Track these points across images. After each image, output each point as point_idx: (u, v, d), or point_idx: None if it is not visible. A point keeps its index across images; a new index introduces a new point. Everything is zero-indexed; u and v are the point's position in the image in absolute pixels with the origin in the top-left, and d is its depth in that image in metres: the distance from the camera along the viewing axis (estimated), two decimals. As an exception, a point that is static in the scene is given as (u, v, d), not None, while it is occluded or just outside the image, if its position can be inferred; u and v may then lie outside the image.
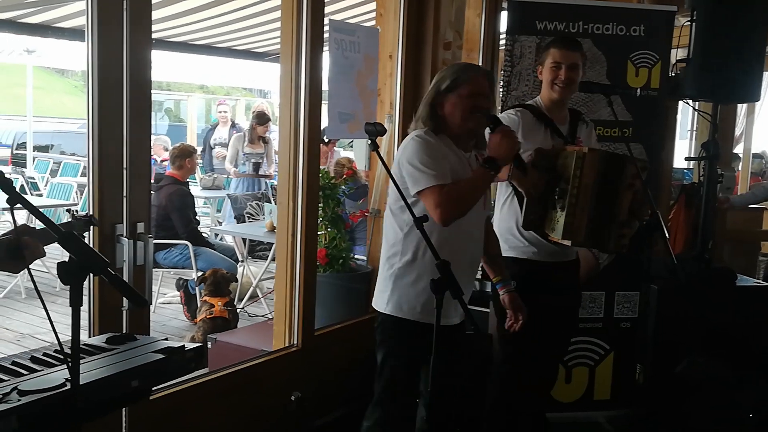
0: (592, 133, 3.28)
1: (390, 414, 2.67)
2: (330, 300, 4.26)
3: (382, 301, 2.65)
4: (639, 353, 4.03)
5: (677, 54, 4.25)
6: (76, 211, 2.24)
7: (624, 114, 3.85)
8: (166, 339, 1.99)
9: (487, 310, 3.30)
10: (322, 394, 3.68)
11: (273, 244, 5.76)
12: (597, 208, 2.87)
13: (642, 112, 3.92)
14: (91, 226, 2.33)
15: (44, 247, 1.78)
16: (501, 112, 3.25)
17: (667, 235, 3.04)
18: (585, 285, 3.82)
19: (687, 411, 3.71)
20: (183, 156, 5.94)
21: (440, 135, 2.55)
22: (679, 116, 5.12)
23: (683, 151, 6.26)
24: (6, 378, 1.68)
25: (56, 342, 1.65)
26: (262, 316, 5.85)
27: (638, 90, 3.77)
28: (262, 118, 7.80)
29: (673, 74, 4.15)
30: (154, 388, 1.94)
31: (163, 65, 9.56)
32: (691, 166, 5.68)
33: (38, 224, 1.66)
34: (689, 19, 4.01)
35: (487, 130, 2.60)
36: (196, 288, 5.44)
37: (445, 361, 2.51)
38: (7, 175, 1.57)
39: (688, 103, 4.65)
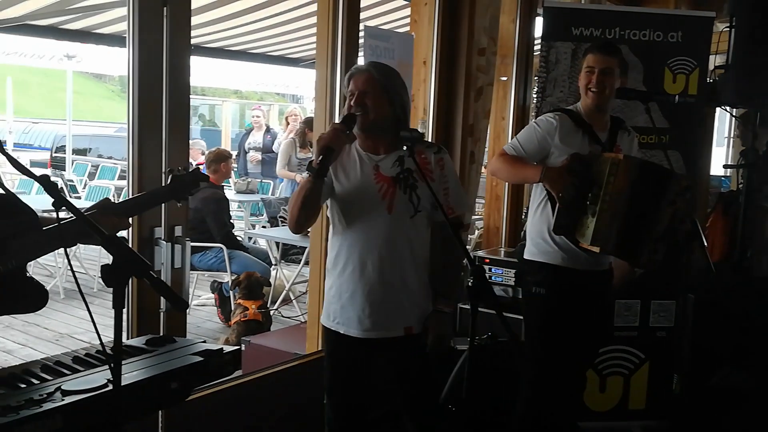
0: (633, 142, 3.24)
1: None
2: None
3: None
4: (675, 363, 3.98)
5: (715, 60, 4.20)
6: (178, 169, 2.16)
7: (661, 120, 3.81)
8: (204, 341, 2.02)
9: (520, 317, 3.28)
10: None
11: (306, 247, 5.80)
12: (630, 217, 2.84)
13: (679, 118, 3.87)
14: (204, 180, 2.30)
15: (128, 219, 2.01)
16: (536, 118, 3.25)
17: (705, 244, 3.01)
18: (620, 293, 3.79)
19: (723, 423, 3.66)
20: (218, 160, 6.01)
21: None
22: (715, 123, 5.06)
23: (720, 158, 6.16)
24: (50, 378, 1.72)
25: (96, 342, 1.68)
26: (295, 318, 5.88)
27: (676, 96, 3.73)
28: (312, 123, 7.85)
29: (711, 81, 4.10)
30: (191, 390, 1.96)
31: (198, 70, 9.68)
32: (728, 174, 5.59)
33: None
34: (728, 25, 3.97)
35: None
36: (231, 291, 5.49)
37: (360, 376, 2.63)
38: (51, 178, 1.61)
39: (726, 110, 4.59)
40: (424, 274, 2.57)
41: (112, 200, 2.32)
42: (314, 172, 2.37)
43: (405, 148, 2.40)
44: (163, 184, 2.31)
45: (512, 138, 3.21)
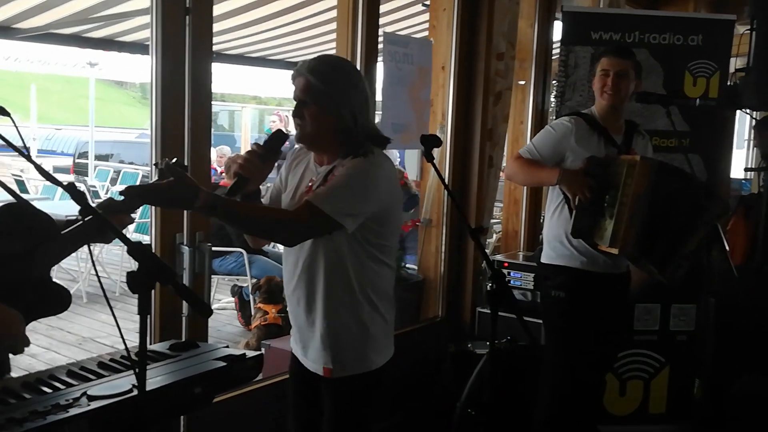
0: (648, 145, 3.25)
1: None
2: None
3: None
4: (696, 367, 3.95)
5: (736, 63, 4.17)
6: (166, 160, 2.26)
7: (682, 124, 3.79)
8: (227, 347, 2.04)
9: (539, 321, 3.28)
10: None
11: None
12: (649, 218, 2.83)
13: (700, 122, 3.86)
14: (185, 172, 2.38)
15: (131, 216, 2.03)
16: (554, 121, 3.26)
17: (726, 248, 2.99)
18: (640, 297, 3.77)
19: (745, 429, 3.63)
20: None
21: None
22: (736, 125, 5.02)
23: (740, 161, 6.11)
24: (76, 383, 1.73)
25: (119, 346, 1.70)
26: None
27: (697, 100, 3.71)
28: None
29: (732, 84, 4.07)
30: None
31: (218, 77, 9.76)
32: (749, 177, 5.54)
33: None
34: (749, 27, 3.93)
35: None
36: (251, 295, 5.53)
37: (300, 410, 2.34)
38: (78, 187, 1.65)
39: (747, 113, 4.55)
40: (346, 309, 2.15)
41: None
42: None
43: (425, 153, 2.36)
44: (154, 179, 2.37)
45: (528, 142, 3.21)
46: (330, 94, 2.08)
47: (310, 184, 2.20)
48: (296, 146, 2.29)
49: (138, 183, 10.51)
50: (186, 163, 2.71)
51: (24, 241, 1.82)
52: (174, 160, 2.34)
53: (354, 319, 2.16)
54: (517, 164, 3.09)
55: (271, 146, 2.17)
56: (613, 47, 3.19)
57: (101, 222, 1.64)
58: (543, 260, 3.17)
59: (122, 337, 1.62)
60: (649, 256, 2.89)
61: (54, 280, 1.94)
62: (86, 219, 1.85)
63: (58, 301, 1.92)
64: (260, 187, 2.25)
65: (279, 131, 2.23)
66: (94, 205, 1.74)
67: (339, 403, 2.22)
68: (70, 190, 1.60)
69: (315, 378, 2.24)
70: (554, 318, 3.13)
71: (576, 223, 2.94)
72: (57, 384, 1.72)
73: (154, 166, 2.39)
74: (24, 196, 9.21)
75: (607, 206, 2.87)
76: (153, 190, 1.91)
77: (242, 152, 14.22)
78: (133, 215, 2.22)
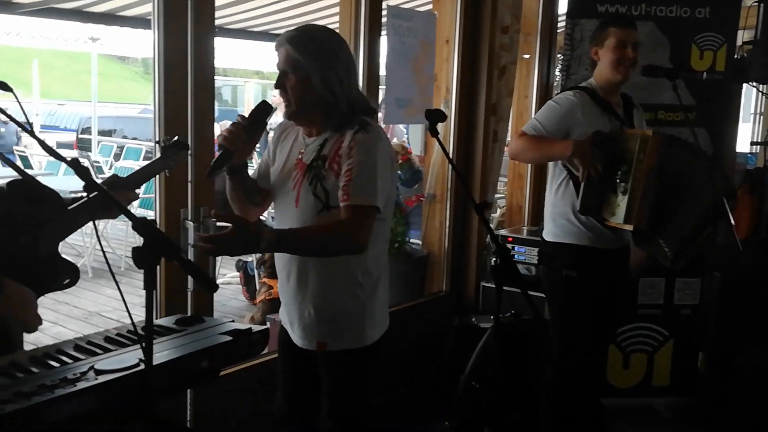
0: (643, 119, 3.23)
1: None
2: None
3: None
4: (700, 341, 3.97)
5: (743, 36, 4.13)
6: (167, 138, 2.35)
7: (688, 98, 3.76)
8: (233, 321, 2.05)
9: (542, 295, 3.28)
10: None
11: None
12: (661, 195, 2.82)
13: (706, 95, 3.83)
14: (186, 150, 2.45)
15: (135, 192, 2.11)
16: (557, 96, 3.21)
17: (732, 222, 2.98)
18: (644, 271, 3.77)
19: (748, 402, 3.65)
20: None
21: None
22: (742, 99, 4.98)
23: (746, 134, 6.07)
24: (83, 357, 1.75)
25: (125, 320, 1.71)
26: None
27: (704, 73, 3.68)
28: None
29: (739, 57, 4.03)
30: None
31: (221, 52, 9.71)
32: (755, 151, 5.51)
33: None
34: (757, 0, 3.89)
35: None
36: (256, 270, 5.55)
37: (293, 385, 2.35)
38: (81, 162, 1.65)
39: (754, 86, 4.52)
40: (340, 283, 2.14)
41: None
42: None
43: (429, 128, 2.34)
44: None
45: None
46: (309, 66, 2.03)
47: (299, 156, 2.17)
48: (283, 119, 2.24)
49: (141, 158, 10.50)
50: (189, 141, 2.71)
51: (31, 217, 1.83)
52: (175, 138, 2.36)
53: (348, 292, 2.14)
54: (524, 141, 2.98)
55: (256, 118, 2.11)
56: (623, 18, 3.13)
57: (106, 198, 1.64)
58: (548, 238, 3.11)
59: (128, 311, 1.63)
60: (661, 233, 2.88)
61: (62, 255, 1.95)
62: (91, 195, 1.87)
63: (67, 275, 1.94)
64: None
65: (264, 102, 2.18)
66: (99, 181, 1.75)
67: (335, 378, 2.21)
68: (74, 165, 1.61)
69: (307, 354, 2.23)
70: (562, 296, 3.08)
71: (585, 200, 2.90)
72: (64, 358, 1.74)
73: (156, 144, 2.40)
74: (28, 171, 9.25)
75: (618, 182, 2.84)
76: (223, 242, 1.88)
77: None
78: (137, 191, 2.25)
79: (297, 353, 2.27)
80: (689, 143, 3.03)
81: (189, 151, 2.50)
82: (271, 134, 2.36)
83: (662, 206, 2.83)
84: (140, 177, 2.31)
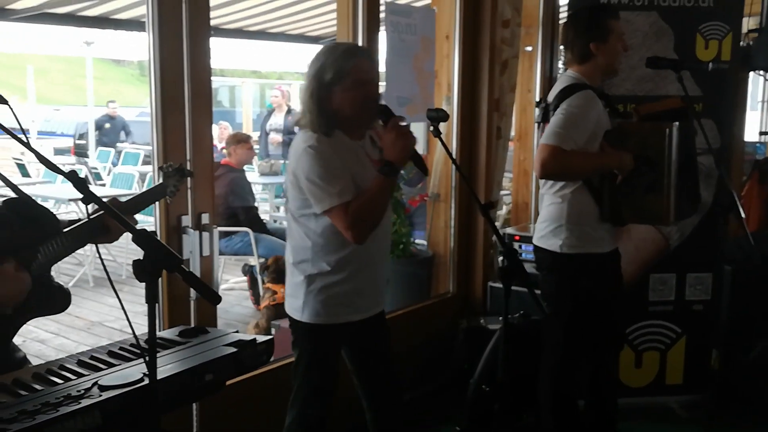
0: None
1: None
2: (391, 285, 4.23)
3: (296, 309, 2.49)
4: (712, 337, 3.90)
5: (749, 23, 4.07)
6: (169, 165, 2.29)
7: (694, 89, 3.69)
8: (237, 332, 2.00)
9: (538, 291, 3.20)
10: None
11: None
12: (680, 182, 2.78)
13: (712, 85, 3.76)
14: (187, 177, 2.37)
15: (133, 217, 2.06)
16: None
17: (743, 215, 2.92)
18: (655, 267, 3.72)
19: (763, 398, 3.59)
20: (230, 143, 6.05)
21: (333, 133, 2.31)
22: (749, 87, 4.92)
23: (754, 123, 6.00)
24: (86, 373, 1.71)
25: (128, 332, 1.68)
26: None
27: (709, 64, 3.61)
28: None
29: (744, 45, 3.97)
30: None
31: (217, 52, 9.66)
32: (764, 140, 5.45)
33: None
34: (762, -15, 3.84)
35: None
36: (259, 275, 5.49)
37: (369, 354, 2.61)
38: (79, 174, 1.59)
39: (760, 74, 4.46)
40: None
41: (136, 187, 2.36)
42: (394, 173, 2.27)
43: (432, 128, 2.32)
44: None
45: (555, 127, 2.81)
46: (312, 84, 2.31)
47: (367, 156, 2.39)
48: (315, 145, 2.28)
49: (139, 163, 10.43)
50: (186, 145, 2.66)
51: (24, 237, 1.78)
52: (178, 165, 2.28)
53: None
54: (564, 159, 2.72)
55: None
56: (614, 9, 3.06)
57: (105, 209, 1.58)
58: (565, 250, 2.91)
59: (130, 325, 1.60)
60: (684, 214, 2.84)
61: (54, 279, 1.91)
62: (91, 217, 1.83)
63: (57, 300, 1.90)
64: None
65: (385, 107, 2.36)
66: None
67: (387, 339, 2.65)
68: (72, 177, 1.56)
69: (372, 324, 2.54)
70: (579, 307, 2.95)
71: (610, 205, 2.83)
72: (67, 374, 1.71)
73: (159, 170, 2.31)
74: (25, 179, 9.15)
75: (646, 181, 2.78)
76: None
77: (243, 128, 14.08)
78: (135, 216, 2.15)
79: (366, 331, 2.53)
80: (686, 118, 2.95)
81: (190, 174, 2.39)
82: (272, 135, 2.43)
83: (682, 191, 2.80)
84: (140, 202, 2.22)
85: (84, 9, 6.32)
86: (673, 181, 2.75)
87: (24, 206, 1.83)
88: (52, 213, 1.94)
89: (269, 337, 2.01)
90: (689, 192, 2.87)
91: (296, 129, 2.48)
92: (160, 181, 2.27)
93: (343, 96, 2.27)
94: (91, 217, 1.92)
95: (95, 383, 1.62)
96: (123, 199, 2.11)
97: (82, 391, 1.58)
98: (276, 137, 8.81)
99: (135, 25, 6.69)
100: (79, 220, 1.97)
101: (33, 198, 1.89)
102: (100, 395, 1.57)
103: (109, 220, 1.92)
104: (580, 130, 2.78)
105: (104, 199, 1.64)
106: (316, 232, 2.36)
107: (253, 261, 5.67)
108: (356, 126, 2.36)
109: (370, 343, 2.60)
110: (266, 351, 1.97)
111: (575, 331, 2.98)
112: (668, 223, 2.86)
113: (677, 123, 2.82)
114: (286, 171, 2.47)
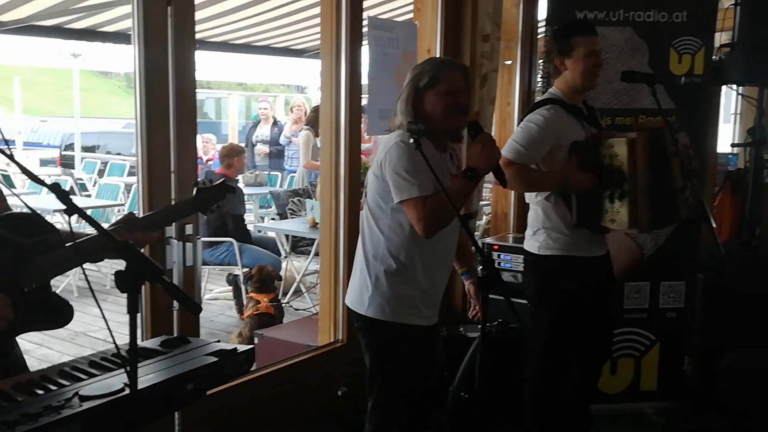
0: (602, 122, 3.26)
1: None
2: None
3: (361, 303, 2.58)
4: (686, 344, 3.98)
5: (721, 38, 4.17)
6: (206, 180, 2.17)
7: (667, 102, 3.79)
8: (218, 341, 2.03)
9: (524, 302, 3.27)
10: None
11: (315, 239, 5.83)
12: (655, 188, 2.84)
13: (685, 99, 3.86)
14: (232, 193, 2.27)
15: (153, 233, 2.03)
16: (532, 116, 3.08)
17: (713, 225, 3.00)
18: (630, 276, 3.79)
19: (735, 404, 3.66)
20: (232, 155, 6.11)
21: (422, 140, 2.38)
22: (722, 100, 5.02)
23: (727, 135, 6.12)
24: (67, 383, 1.72)
25: (111, 343, 1.69)
26: (306, 309, 5.92)
27: (682, 78, 3.71)
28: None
29: (717, 59, 4.07)
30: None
31: (203, 65, 9.70)
32: (736, 152, 5.57)
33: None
34: (734, 2, 3.93)
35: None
36: (243, 285, 5.53)
37: (429, 361, 2.68)
38: (61, 185, 1.62)
39: (732, 88, 4.56)
40: None
41: (122, 199, 2.36)
42: (475, 178, 2.36)
43: (412, 140, 2.36)
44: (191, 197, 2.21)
45: (514, 136, 3.00)
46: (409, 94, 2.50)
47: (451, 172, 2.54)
48: (407, 140, 2.38)
49: (125, 174, 10.42)
50: (171, 156, 2.69)
51: (19, 249, 1.80)
52: (220, 180, 2.23)
53: None
54: (513, 173, 2.85)
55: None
56: (585, 25, 3.10)
57: (90, 222, 1.62)
58: (542, 251, 3.04)
59: (112, 335, 1.62)
60: (662, 222, 2.89)
61: (55, 292, 1.92)
62: (91, 235, 1.83)
63: (57, 314, 1.90)
64: None
65: (476, 123, 2.49)
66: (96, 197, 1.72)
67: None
68: (56, 190, 1.59)
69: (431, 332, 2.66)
70: (555, 308, 3.04)
71: (581, 213, 2.91)
72: (49, 385, 1.71)
73: (193, 185, 2.25)
74: (11, 191, 9.15)
75: (614, 190, 2.85)
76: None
77: (229, 139, 13.99)
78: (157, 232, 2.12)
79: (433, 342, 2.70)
80: (661, 130, 3.02)
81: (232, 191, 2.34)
82: (258, 147, 2.45)
83: (658, 197, 2.85)
84: (161, 218, 2.15)
85: (71, 22, 6.35)
86: (642, 189, 2.81)
87: (28, 220, 1.84)
88: (54, 227, 1.95)
89: (250, 346, 2.04)
90: (665, 200, 2.91)
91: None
92: (194, 194, 2.15)
93: (435, 100, 2.45)
94: (94, 235, 1.84)
95: (76, 393, 1.62)
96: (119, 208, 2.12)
97: (63, 402, 1.58)
98: (263, 148, 8.86)
99: (122, 37, 6.72)
100: (84, 234, 1.93)
101: (37, 212, 1.87)
102: (81, 405, 1.57)
103: (127, 235, 1.89)
104: (533, 144, 2.91)
105: (120, 216, 1.63)
106: (391, 227, 2.50)
107: (238, 270, 5.72)
108: (444, 134, 2.52)
109: (432, 355, 2.71)
110: (247, 360, 1.98)
111: (558, 335, 3.04)
112: (643, 231, 2.92)
113: (645, 132, 2.90)
114: (372, 162, 2.60)
